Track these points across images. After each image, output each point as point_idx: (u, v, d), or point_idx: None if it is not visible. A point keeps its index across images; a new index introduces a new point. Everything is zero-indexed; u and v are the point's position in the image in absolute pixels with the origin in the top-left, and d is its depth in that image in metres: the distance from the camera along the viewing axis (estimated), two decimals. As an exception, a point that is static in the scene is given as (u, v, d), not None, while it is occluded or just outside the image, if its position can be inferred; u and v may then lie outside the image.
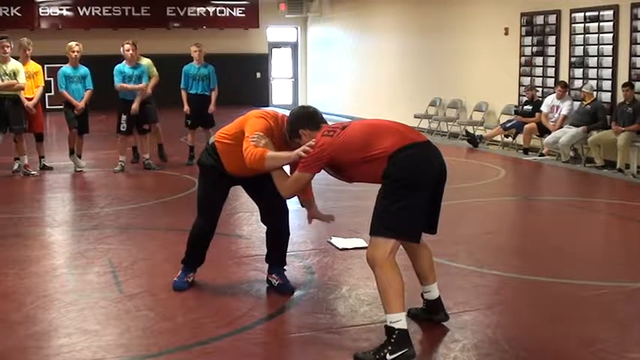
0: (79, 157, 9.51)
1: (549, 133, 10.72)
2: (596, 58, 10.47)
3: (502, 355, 3.63)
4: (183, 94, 9.79)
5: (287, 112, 4.29)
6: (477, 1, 13.17)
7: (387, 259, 3.52)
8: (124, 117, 9.32)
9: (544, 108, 11.01)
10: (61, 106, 9.61)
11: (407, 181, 3.52)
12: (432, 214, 3.75)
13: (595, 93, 10.30)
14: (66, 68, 9.29)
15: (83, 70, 9.35)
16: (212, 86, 9.80)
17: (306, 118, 3.94)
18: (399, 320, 3.48)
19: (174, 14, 19.30)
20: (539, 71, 11.69)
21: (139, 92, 9.32)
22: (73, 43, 9.34)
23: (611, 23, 10.15)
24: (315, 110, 4.01)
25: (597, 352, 3.66)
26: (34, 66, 9.32)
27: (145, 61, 9.92)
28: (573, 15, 10.86)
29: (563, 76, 11.04)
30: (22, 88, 8.93)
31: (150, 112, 9.87)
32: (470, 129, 12.81)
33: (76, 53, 9.24)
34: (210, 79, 9.78)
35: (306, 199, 4.39)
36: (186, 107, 9.77)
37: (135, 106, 9.24)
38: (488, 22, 12.86)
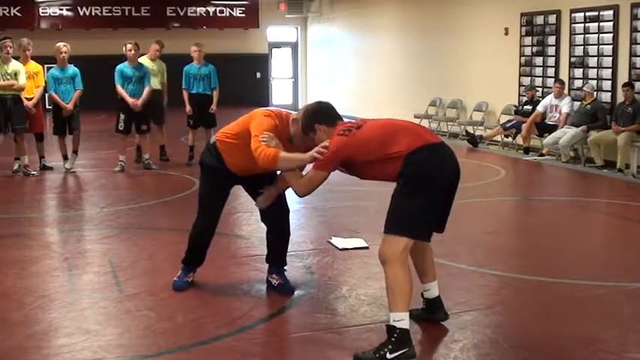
0: (76, 152, 9.48)
1: (549, 132, 10.72)
2: (596, 58, 10.46)
3: (502, 355, 3.63)
4: (185, 94, 9.79)
5: (289, 111, 4.30)
6: (477, 1, 13.17)
7: (398, 257, 3.53)
8: (122, 116, 9.32)
9: (540, 107, 11.01)
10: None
11: (422, 182, 3.55)
12: (443, 214, 3.78)
13: (595, 93, 10.30)
14: (54, 70, 9.26)
15: (72, 70, 9.31)
16: (213, 86, 9.79)
17: (323, 114, 3.92)
18: (402, 320, 3.48)
19: (174, 14, 19.30)
20: (539, 71, 11.69)
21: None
22: (60, 44, 9.31)
23: (611, 23, 10.15)
24: (332, 106, 4.00)
25: (597, 352, 3.66)
26: (34, 66, 9.31)
27: (159, 64, 9.99)
28: (573, 15, 10.86)
29: (564, 76, 11.03)
30: (23, 89, 8.93)
31: (156, 112, 9.87)
32: (470, 129, 12.81)
33: (63, 54, 9.20)
34: (211, 78, 9.78)
35: (282, 188, 4.32)
36: (188, 107, 9.77)
37: (137, 102, 9.21)
38: (488, 22, 12.86)
